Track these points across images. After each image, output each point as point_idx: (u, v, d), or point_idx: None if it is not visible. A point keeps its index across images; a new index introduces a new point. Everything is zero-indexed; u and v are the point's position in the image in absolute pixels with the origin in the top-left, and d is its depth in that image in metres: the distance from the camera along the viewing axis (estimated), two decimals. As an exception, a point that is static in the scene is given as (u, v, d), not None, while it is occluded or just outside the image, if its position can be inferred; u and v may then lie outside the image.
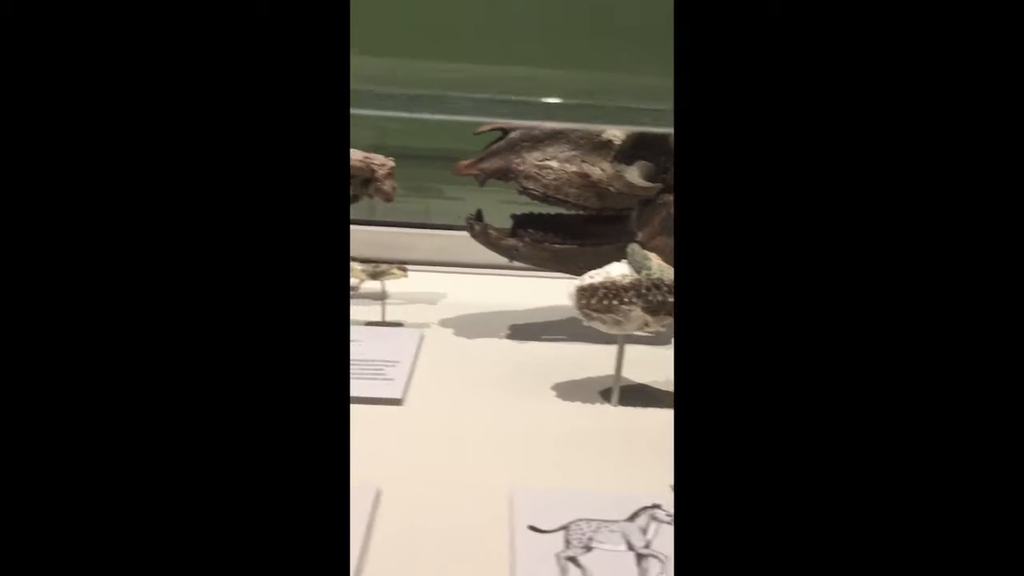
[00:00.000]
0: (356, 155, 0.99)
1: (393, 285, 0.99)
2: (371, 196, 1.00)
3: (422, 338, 0.92)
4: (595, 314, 0.75)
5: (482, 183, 0.91)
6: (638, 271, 0.75)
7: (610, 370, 0.80)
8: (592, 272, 0.75)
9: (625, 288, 0.74)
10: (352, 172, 0.98)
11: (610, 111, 1.26)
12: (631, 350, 0.82)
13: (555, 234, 0.93)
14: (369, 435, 0.71)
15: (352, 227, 1.11)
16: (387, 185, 0.99)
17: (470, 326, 1.00)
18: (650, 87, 1.05)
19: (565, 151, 0.90)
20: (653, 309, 0.74)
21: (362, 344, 0.88)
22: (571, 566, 0.53)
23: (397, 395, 0.77)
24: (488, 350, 0.93)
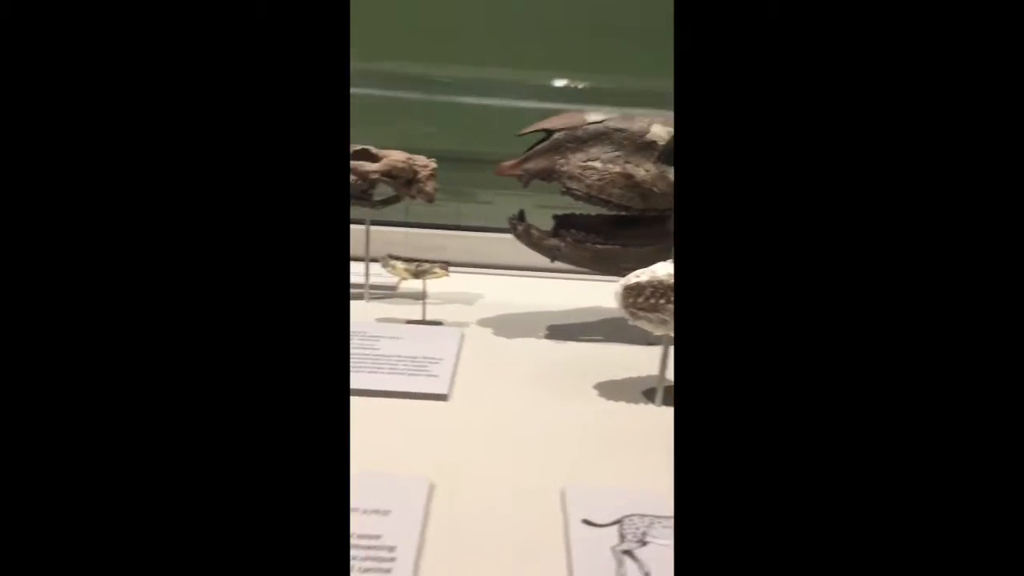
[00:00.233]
0: (399, 156, 1.00)
1: (432, 285, 1.00)
2: (413, 197, 1.01)
3: (463, 337, 0.93)
4: (641, 313, 0.75)
5: (526, 184, 0.92)
6: (685, 271, 0.75)
7: (650, 371, 0.81)
8: (638, 271, 0.76)
9: (671, 288, 0.74)
10: (395, 173, 0.99)
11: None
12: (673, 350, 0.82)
13: (597, 234, 0.93)
14: (417, 429, 0.72)
15: (382, 228, 1.13)
16: (429, 186, 1.00)
17: (508, 326, 1.00)
18: (650, 87, 1.06)
19: (609, 152, 0.90)
20: (699, 309, 0.74)
21: (405, 341, 0.89)
22: (627, 559, 0.54)
23: (443, 391, 0.78)
24: (527, 349, 0.94)
